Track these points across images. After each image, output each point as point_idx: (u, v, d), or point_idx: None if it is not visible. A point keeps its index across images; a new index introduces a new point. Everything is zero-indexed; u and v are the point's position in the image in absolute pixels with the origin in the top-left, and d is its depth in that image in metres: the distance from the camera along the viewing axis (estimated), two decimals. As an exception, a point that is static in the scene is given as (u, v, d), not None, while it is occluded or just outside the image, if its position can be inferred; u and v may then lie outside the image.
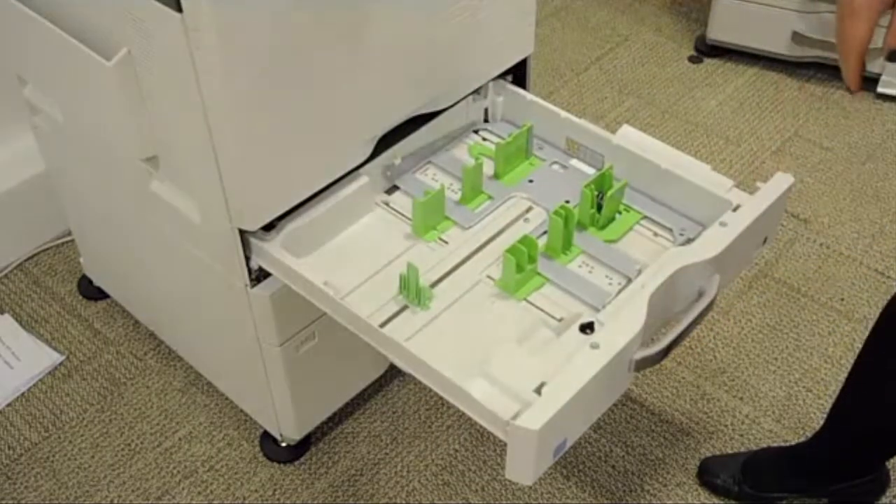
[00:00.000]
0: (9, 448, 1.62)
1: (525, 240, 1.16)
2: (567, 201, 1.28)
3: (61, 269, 1.91)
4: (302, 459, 1.60)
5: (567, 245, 1.21)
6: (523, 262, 1.15)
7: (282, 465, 1.59)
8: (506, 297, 1.18)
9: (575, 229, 1.22)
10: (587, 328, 1.11)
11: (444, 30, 1.26)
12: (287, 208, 1.22)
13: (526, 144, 1.35)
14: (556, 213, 1.18)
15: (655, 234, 1.26)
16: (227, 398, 1.67)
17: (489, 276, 1.20)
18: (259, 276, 1.27)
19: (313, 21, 1.09)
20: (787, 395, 1.68)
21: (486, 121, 1.43)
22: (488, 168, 1.34)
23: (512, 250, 1.15)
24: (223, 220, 1.20)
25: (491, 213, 1.29)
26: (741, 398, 1.68)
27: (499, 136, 1.40)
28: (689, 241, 1.20)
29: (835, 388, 1.60)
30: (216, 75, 1.04)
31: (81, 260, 1.83)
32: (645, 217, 1.27)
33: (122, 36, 1.12)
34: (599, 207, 1.24)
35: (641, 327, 1.05)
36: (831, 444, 1.42)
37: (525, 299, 1.17)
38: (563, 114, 1.36)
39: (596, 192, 1.23)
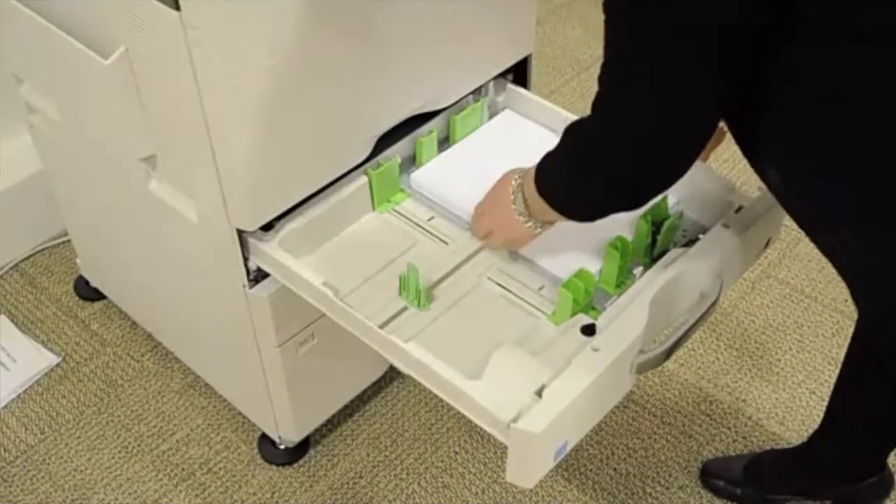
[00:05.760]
0: (4, 450, 1.61)
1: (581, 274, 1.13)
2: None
3: (58, 269, 1.90)
4: (301, 462, 1.59)
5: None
6: (580, 298, 1.13)
7: (280, 468, 1.58)
8: (507, 297, 1.17)
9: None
10: (589, 330, 1.10)
11: (445, 28, 1.25)
12: (286, 208, 1.21)
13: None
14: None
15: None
16: (225, 400, 1.66)
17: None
18: (257, 276, 1.26)
19: (313, 19, 1.08)
20: (791, 398, 1.67)
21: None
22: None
23: (568, 285, 1.12)
24: (221, 220, 1.19)
25: (491, 214, 1.28)
26: (744, 400, 1.67)
27: (499, 136, 1.40)
28: (692, 242, 1.19)
29: (838, 391, 1.59)
30: (214, 74, 1.03)
31: (78, 260, 1.81)
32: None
33: (119, 34, 1.11)
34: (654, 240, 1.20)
35: (643, 330, 1.04)
36: (830, 446, 1.42)
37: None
38: (565, 113, 1.35)
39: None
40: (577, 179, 1.00)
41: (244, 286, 1.26)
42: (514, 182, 1.10)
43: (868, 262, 0.99)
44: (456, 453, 1.60)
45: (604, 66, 0.90)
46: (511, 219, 1.12)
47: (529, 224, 1.11)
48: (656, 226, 1.19)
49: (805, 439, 1.47)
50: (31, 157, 1.64)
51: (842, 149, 0.90)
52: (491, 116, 1.41)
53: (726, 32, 0.83)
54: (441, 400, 1.05)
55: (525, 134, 1.38)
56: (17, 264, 1.91)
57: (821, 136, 0.90)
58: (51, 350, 1.76)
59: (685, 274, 1.12)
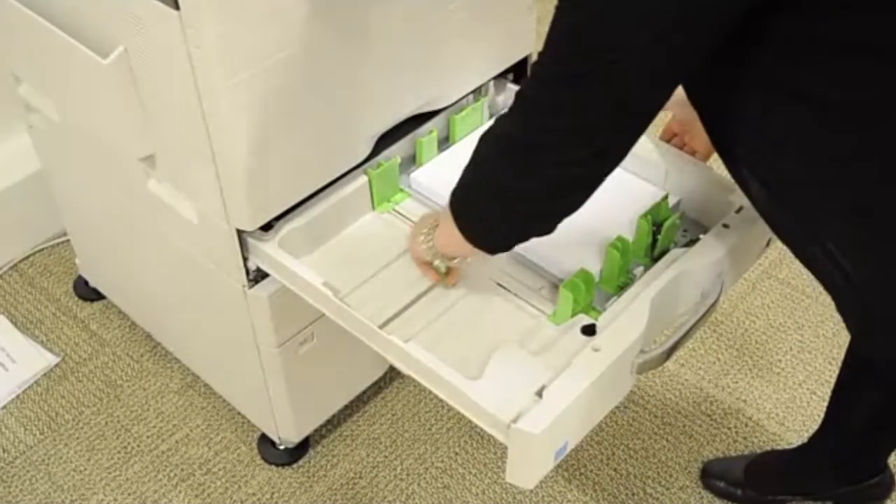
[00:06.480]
0: (4, 451, 1.61)
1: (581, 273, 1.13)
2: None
3: (57, 269, 1.90)
4: (300, 462, 1.58)
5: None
6: (581, 298, 1.13)
7: (280, 468, 1.58)
8: (507, 297, 1.17)
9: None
10: (589, 330, 1.10)
11: (445, 28, 1.25)
12: (285, 208, 1.21)
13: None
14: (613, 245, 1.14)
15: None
16: (224, 400, 1.65)
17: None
18: (257, 276, 1.25)
19: (312, 19, 1.07)
20: (791, 398, 1.67)
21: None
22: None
23: (569, 285, 1.11)
24: (221, 221, 1.19)
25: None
26: (744, 401, 1.67)
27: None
28: (692, 242, 1.18)
29: (839, 391, 1.59)
30: (214, 74, 1.02)
31: (77, 260, 1.81)
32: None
33: (118, 33, 1.11)
34: (655, 240, 1.19)
35: (643, 330, 1.04)
36: (830, 447, 1.42)
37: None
38: (565, 113, 1.34)
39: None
40: (501, 187, 0.94)
41: (244, 286, 1.26)
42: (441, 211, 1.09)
43: (856, 277, 0.95)
44: (456, 454, 1.60)
45: (541, 55, 0.85)
46: (414, 237, 1.13)
47: (425, 246, 1.11)
48: (657, 226, 1.18)
49: (805, 440, 1.47)
50: (30, 157, 1.64)
51: (826, 154, 0.88)
52: (491, 116, 1.41)
53: (692, 24, 0.79)
54: (441, 400, 1.05)
55: None
56: (16, 264, 1.91)
57: (803, 140, 0.88)
58: (50, 350, 1.76)
59: (686, 274, 1.12)
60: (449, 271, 1.15)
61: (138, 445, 1.61)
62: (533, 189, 0.92)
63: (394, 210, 1.30)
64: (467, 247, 1.03)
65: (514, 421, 0.96)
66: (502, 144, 0.93)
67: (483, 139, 0.95)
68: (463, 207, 1.01)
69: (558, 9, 0.82)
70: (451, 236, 1.04)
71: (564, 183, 0.92)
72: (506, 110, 1.42)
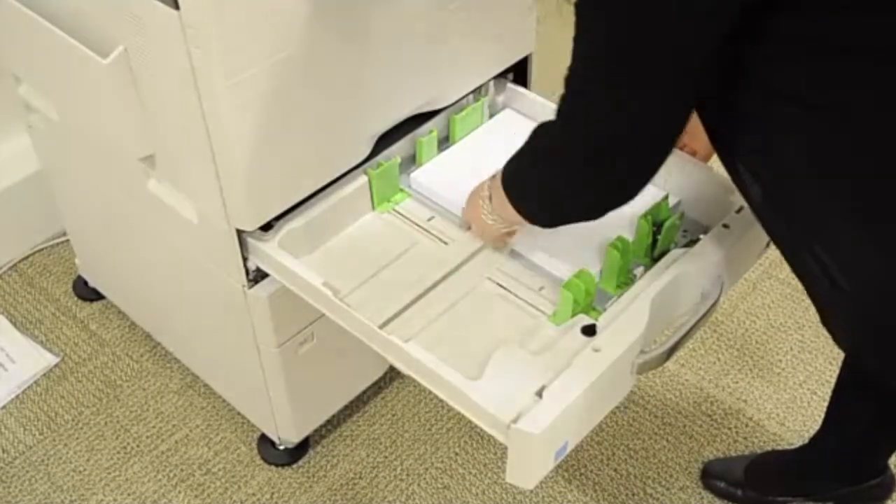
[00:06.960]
0: (3, 451, 1.61)
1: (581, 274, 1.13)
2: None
3: (56, 269, 1.90)
4: (300, 463, 1.58)
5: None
6: (581, 298, 1.13)
7: (279, 469, 1.58)
8: (507, 297, 1.17)
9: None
10: (589, 331, 1.10)
11: (445, 28, 1.25)
12: (285, 208, 1.21)
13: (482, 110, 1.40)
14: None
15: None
16: (224, 400, 1.65)
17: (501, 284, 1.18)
18: (257, 276, 1.25)
19: (312, 19, 1.07)
20: (792, 398, 1.67)
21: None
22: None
23: (569, 286, 1.11)
24: (221, 221, 1.19)
25: (492, 214, 1.27)
26: (745, 401, 1.66)
27: (500, 136, 1.39)
28: (692, 242, 1.18)
29: (839, 391, 1.59)
30: (214, 74, 1.02)
31: (77, 261, 1.81)
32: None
33: (118, 33, 1.11)
34: (655, 241, 1.19)
35: (643, 330, 1.04)
36: (830, 447, 1.42)
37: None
38: (565, 113, 1.34)
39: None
40: (548, 185, 0.99)
41: (243, 286, 1.26)
42: (488, 184, 1.13)
43: (846, 283, 0.95)
44: (456, 454, 1.60)
45: (570, 70, 0.89)
46: (480, 218, 1.15)
47: (495, 223, 1.13)
48: (657, 226, 1.18)
49: (806, 440, 1.47)
50: (30, 157, 1.64)
51: (824, 153, 0.88)
52: (491, 116, 1.41)
53: (702, 35, 0.80)
54: (441, 400, 1.05)
55: (525, 133, 1.37)
56: (15, 264, 1.91)
57: (801, 140, 0.88)
58: (49, 350, 1.75)
59: (686, 274, 1.12)
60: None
61: (138, 446, 1.61)
62: (567, 194, 0.97)
63: (394, 210, 1.30)
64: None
65: (514, 421, 0.96)
66: (541, 151, 0.98)
67: (532, 135, 0.99)
68: (509, 189, 1.05)
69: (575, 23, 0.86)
70: (507, 205, 1.07)
71: (597, 188, 0.95)
72: (505, 109, 1.44)
